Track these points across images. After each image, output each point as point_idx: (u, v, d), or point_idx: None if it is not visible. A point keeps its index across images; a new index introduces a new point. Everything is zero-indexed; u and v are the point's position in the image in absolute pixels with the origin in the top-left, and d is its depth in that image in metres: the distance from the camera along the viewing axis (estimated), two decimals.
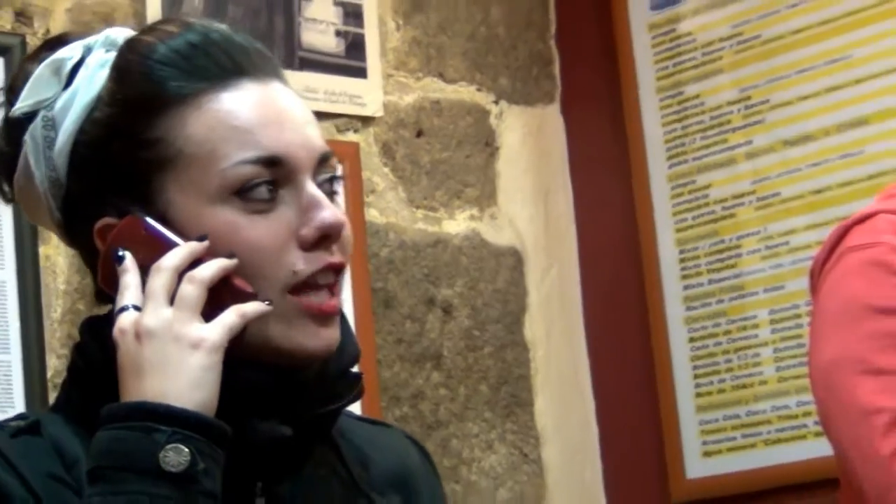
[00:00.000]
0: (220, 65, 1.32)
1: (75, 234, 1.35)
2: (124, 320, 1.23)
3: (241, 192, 1.27)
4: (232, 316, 1.22)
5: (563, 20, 3.39)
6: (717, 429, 3.05)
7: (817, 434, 2.67)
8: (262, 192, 1.28)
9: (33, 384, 2.52)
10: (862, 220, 1.69)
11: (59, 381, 1.39)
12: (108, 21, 2.78)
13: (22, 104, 1.33)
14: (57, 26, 2.70)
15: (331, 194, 1.32)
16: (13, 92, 1.36)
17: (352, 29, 3.06)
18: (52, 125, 1.33)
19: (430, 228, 3.10)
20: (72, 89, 1.33)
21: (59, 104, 1.33)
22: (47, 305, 2.59)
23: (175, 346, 1.21)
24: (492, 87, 3.25)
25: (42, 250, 2.59)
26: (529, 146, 3.29)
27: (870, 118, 2.88)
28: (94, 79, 1.33)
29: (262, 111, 1.31)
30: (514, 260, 3.22)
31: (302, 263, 1.28)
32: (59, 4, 2.70)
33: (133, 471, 1.16)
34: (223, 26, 1.39)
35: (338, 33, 3.04)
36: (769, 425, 2.97)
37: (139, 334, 1.21)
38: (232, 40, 1.35)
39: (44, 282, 2.59)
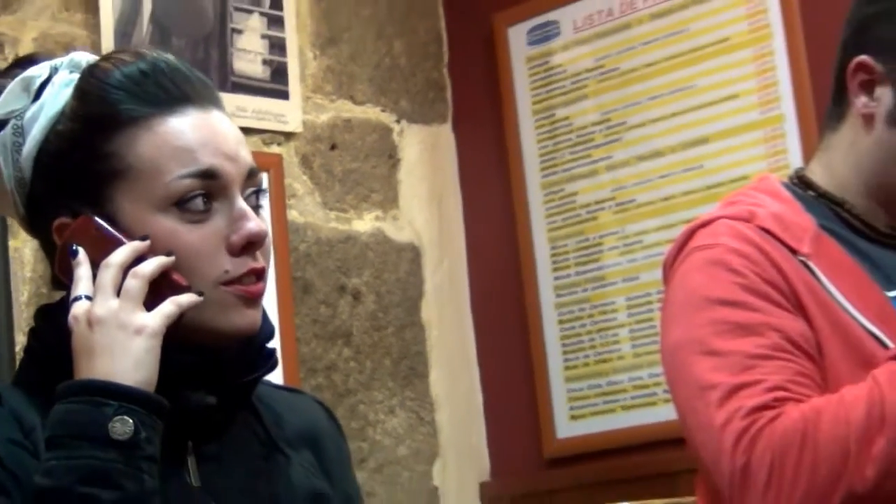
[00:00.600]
0: (167, 92, 1.33)
1: (36, 227, 1.37)
2: (78, 309, 1.26)
3: (181, 203, 1.30)
4: (170, 306, 1.26)
5: (455, 53, 3.44)
6: (582, 396, 3.11)
7: (666, 401, 2.72)
8: (198, 203, 1.30)
9: (2, 358, 2.52)
10: (705, 224, 1.70)
11: None
12: (68, 49, 2.55)
13: None
14: (24, 52, 2.53)
15: (256, 207, 1.35)
16: None
17: (276, 58, 3.09)
18: (20, 132, 1.34)
19: (342, 227, 3.14)
20: (39, 103, 1.34)
21: (27, 115, 1.34)
22: (15, 290, 2.61)
23: (121, 333, 1.24)
24: (394, 108, 3.31)
25: (11, 243, 2.62)
26: (425, 159, 3.36)
27: (709, 138, 2.98)
28: (58, 95, 1.34)
29: (200, 134, 1.32)
30: (412, 254, 3.29)
31: (230, 266, 1.31)
32: (26, 34, 2.72)
33: (86, 439, 1.19)
34: (171, 57, 1.40)
35: (264, 62, 3.06)
36: (625, 394, 3.06)
37: (90, 321, 1.24)
38: (178, 70, 1.36)
39: (12, 270, 2.60)
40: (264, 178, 1.41)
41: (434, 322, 3.31)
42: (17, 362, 2.45)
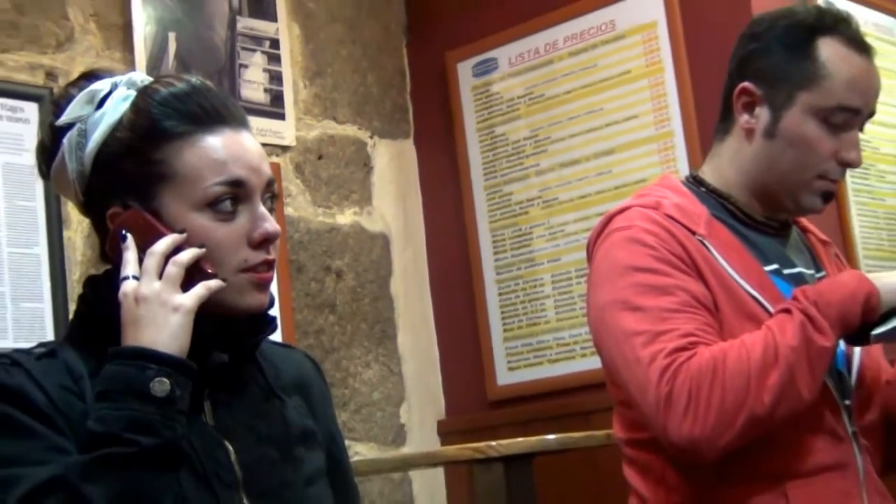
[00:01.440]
0: (207, 113, 1.32)
1: (91, 212, 1.37)
2: (127, 287, 1.26)
3: (213, 205, 1.30)
4: (201, 289, 1.27)
5: (415, 83, 3.51)
6: (517, 352, 3.21)
7: (582, 356, 3.07)
8: (227, 205, 1.31)
9: (59, 324, 2.58)
10: (621, 211, 1.71)
11: None
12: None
13: (65, 117, 1.34)
14: None
15: (271, 209, 1.35)
16: (57, 106, 1.36)
17: (274, 87, 3.13)
18: (84, 135, 1.33)
19: (328, 220, 3.21)
20: (101, 112, 1.33)
21: (90, 121, 1.33)
22: (69, 270, 2.68)
23: (162, 309, 1.25)
24: (368, 127, 3.38)
25: (65, 233, 2.69)
26: (393, 166, 3.44)
27: (615, 149, 3.07)
28: (118, 107, 1.33)
29: (232, 150, 1.31)
30: (383, 241, 3.37)
31: (249, 257, 1.32)
32: (76, 69, 2.72)
33: (131, 395, 1.20)
34: (211, 84, 1.39)
35: (265, 90, 3.11)
36: (551, 350, 3.15)
37: (137, 299, 1.25)
38: (217, 95, 1.36)
39: (66, 255, 2.67)
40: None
41: (400, 295, 3.38)
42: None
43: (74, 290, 2.67)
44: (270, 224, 1.33)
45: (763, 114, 1.72)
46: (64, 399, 1.26)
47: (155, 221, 1.30)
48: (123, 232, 1.30)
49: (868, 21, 3.11)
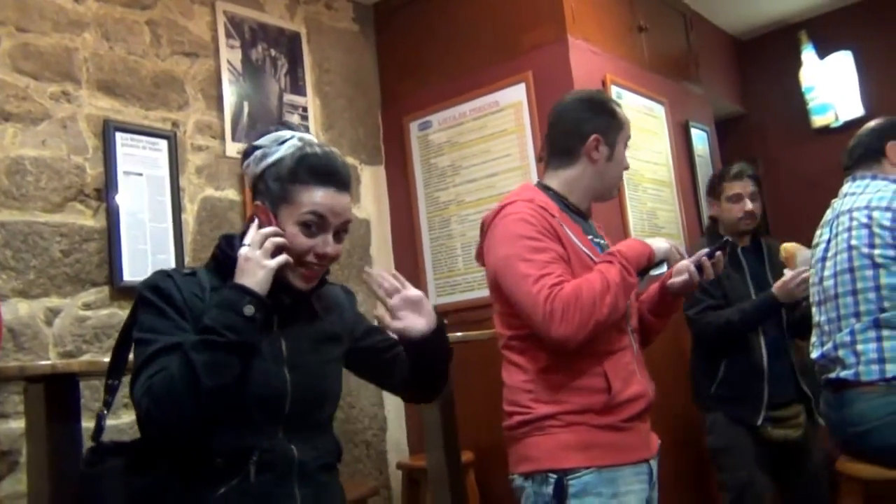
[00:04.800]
0: (325, 174, 1.27)
1: (253, 197, 1.31)
2: (242, 249, 1.23)
3: (303, 224, 1.26)
4: (281, 259, 1.23)
5: (386, 134, 3.46)
6: (441, 286, 3.20)
7: (477, 289, 3.05)
8: (311, 229, 1.26)
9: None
10: (511, 203, 1.58)
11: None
12: (203, 131, 2.77)
13: (260, 142, 1.30)
14: (190, 132, 2.73)
15: (340, 240, 1.29)
16: (260, 134, 1.32)
17: (304, 135, 3.13)
18: (264, 156, 1.29)
19: None
20: (278, 149, 1.29)
21: (271, 150, 1.29)
22: (184, 237, 2.64)
23: (257, 267, 1.21)
24: (359, 158, 3.37)
25: (182, 216, 2.64)
26: (373, 182, 3.41)
27: (498, 173, 3.06)
28: (287, 150, 1.28)
29: (327, 201, 1.26)
30: (366, 225, 3.34)
31: (309, 258, 1.27)
32: (189, 120, 2.72)
33: (231, 310, 1.17)
34: (336, 154, 1.31)
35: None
36: (459, 286, 3.13)
37: (246, 258, 1.21)
38: (335, 163, 1.29)
39: (182, 228, 2.63)
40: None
41: (375, 253, 3.36)
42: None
43: (188, 253, 2.65)
44: (332, 248, 1.28)
45: (604, 150, 1.64)
46: (193, 301, 1.23)
47: (272, 217, 1.26)
48: (255, 217, 1.26)
49: (639, 104, 3.16)
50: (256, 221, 1.25)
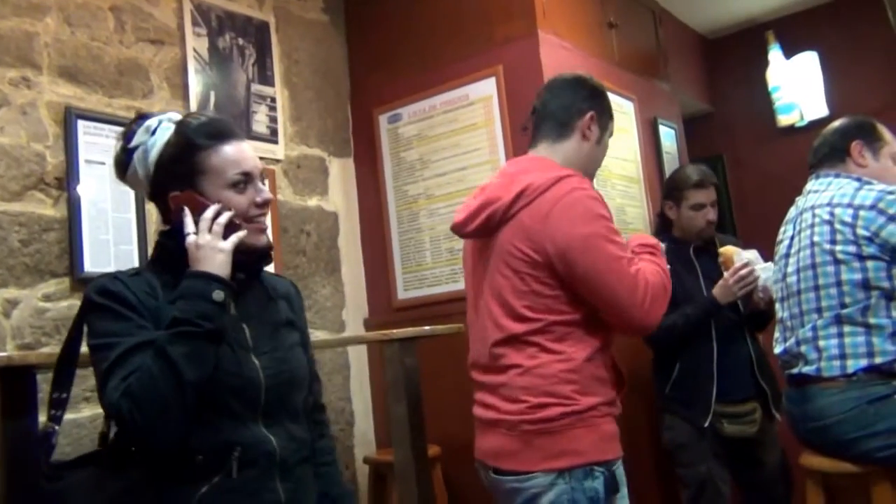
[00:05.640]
0: (221, 132, 1.28)
1: (156, 197, 1.31)
2: (190, 239, 1.22)
3: (233, 186, 1.27)
4: (234, 238, 1.23)
5: (355, 126, 3.42)
6: (409, 281, 3.16)
7: (445, 283, 3.00)
8: (241, 185, 1.28)
9: (141, 259, 2.49)
10: (568, 175, 1.50)
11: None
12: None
13: (134, 142, 1.29)
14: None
15: (263, 177, 1.32)
16: (125, 137, 1.31)
17: (272, 125, 3.05)
18: (146, 151, 1.28)
19: (302, 203, 3.15)
20: (154, 137, 1.28)
21: (149, 143, 1.28)
22: (148, 230, 2.57)
23: (212, 251, 1.21)
24: (327, 150, 3.32)
25: (146, 206, 2.56)
26: (342, 174, 3.37)
27: (467, 167, 3.02)
28: (164, 133, 1.29)
29: (240, 154, 1.28)
30: (333, 217, 3.30)
31: (254, 212, 1.29)
32: (154, 109, 2.60)
33: (200, 298, 1.16)
34: (219, 115, 1.41)
35: (267, 127, 3.03)
36: (427, 280, 3.10)
37: (197, 246, 1.21)
38: (225, 121, 1.33)
39: (147, 221, 2.56)
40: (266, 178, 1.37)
41: (343, 246, 3.32)
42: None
43: (151, 239, 2.61)
44: (267, 192, 1.32)
45: (595, 130, 1.65)
46: (147, 300, 1.22)
47: (201, 198, 1.26)
48: (182, 207, 1.25)
49: (613, 101, 3.21)
50: (186, 210, 1.23)
